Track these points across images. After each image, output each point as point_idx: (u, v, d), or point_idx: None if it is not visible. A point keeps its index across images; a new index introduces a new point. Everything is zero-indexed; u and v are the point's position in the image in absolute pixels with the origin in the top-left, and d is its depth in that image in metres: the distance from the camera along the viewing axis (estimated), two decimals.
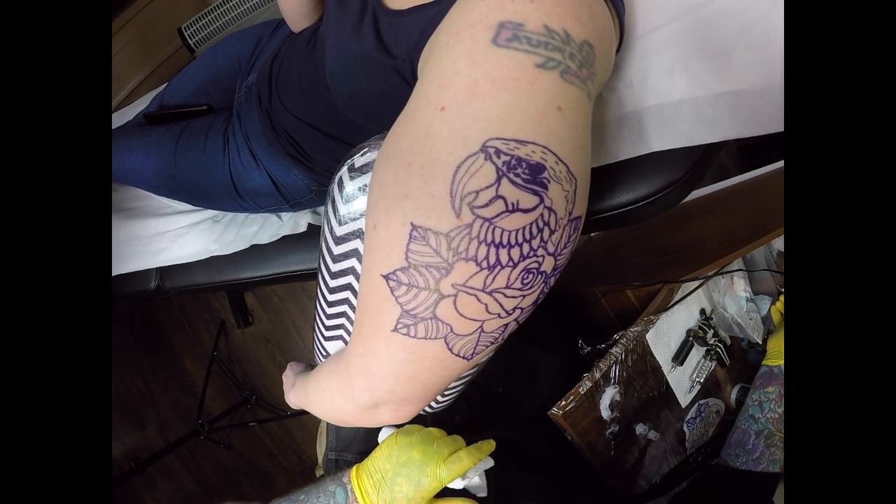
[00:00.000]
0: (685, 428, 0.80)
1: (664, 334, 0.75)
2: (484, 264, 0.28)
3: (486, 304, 0.30)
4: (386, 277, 0.30)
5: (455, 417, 0.74)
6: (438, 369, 0.33)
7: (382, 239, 0.30)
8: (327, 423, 0.78)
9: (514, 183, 0.27)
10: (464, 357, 0.33)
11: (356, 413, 0.38)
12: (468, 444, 0.70)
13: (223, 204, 0.81)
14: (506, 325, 0.32)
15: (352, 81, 0.49)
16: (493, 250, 0.28)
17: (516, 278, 0.29)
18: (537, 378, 0.79)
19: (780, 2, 0.38)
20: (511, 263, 0.29)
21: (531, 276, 0.30)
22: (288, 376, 0.62)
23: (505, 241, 0.28)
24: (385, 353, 0.32)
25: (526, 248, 0.29)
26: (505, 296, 0.30)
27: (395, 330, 0.31)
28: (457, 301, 0.29)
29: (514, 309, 0.31)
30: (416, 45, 0.39)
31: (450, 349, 0.31)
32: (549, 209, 0.29)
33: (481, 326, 0.31)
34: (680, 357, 0.76)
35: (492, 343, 0.33)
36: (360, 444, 0.74)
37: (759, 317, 0.81)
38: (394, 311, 0.31)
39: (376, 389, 0.35)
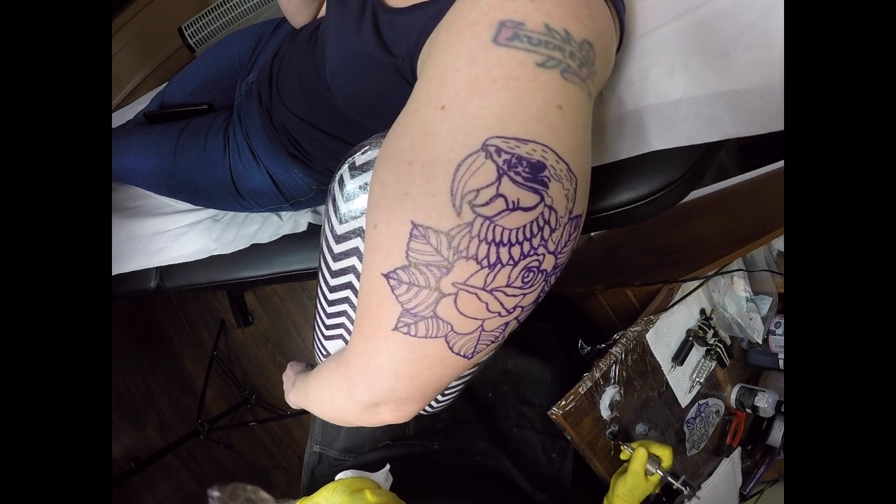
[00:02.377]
0: (685, 428, 0.80)
1: (664, 334, 0.76)
2: (484, 263, 0.28)
3: (486, 303, 0.30)
4: (386, 276, 0.30)
5: (438, 424, 0.74)
6: (439, 368, 0.33)
7: (383, 237, 0.30)
8: (315, 416, 0.78)
9: (514, 181, 0.27)
10: (464, 356, 0.33)
11: (357, 412, 0.38)
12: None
13: (223, 203, 0.81)
14: (506, 324, 0.32)
15: (352, 80, 0.49)
16: (493, 249, 0.28)
17: (517, 277, 0.29)
18: (528, 386, 0.79)
19: (780, 2, 0.38)
20: (511, 262, 0.29)
21: (532, 274, 0.30)
22: (288, 376, 0.62)
23: (505, 240, 0.28)
24: (386, 352, 0.32)
25: (526, 246, 0.29)
26: (505, 294, 0.30)
27: (396, 329, 0.31)
28: (457, 300, 0.29)
29: (514, 307, 0.31)
30: (416, 43, 0.39)
31: (450, 348, 0.31)
32: (550, 207, 0.29)
33: (482, 325, 0.31)
34: (680, 357, 0.76)
35: (492, 342, 0.33)
36: (343, 439, 0.74)
37: (758, 317, 0.81)
38: (394, 310, 0.31)
39: (377, 388, 0.35)
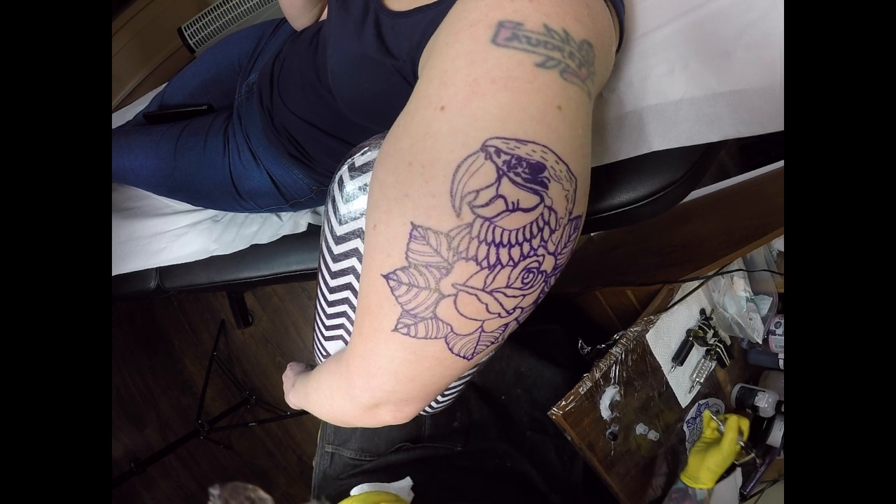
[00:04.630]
0: (685, 428, 0.80)
1: (664, 334, 0.75)
2: (484, 264, 0.28)
3: (486, 304, 0.30)
4: (386, 277, 0.30)
5: (454, 423, 0.74)
6: (439, 369, 0.33)
7: (383, 238, 0.30)
8: None
9: (514, 182, 0.27)
10: (464, 357, 0.33)
11: (356, 413, 0.38)
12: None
13: (223, 204, 0.81)
14: (506, 325, 0.32)
15: (353, 82, 0.49)
16: (493, 250, 0.28)
17: (517, 278, 0.29)
18: (541, 390, 0.79)
19: (780, 2, 0.38)
20: (511, 263, 0.29)
21: (531, 275, 0.30)
22: (288, 377, 0.61)
23: (505, 241, 0.28)
24: (385, 353, 0.32)
25: (526, 247, 0.29)
26: (505, 295, 0.30)
27: (396, 330, 0.31)
28: (457, 301, 0.29)
29: (514, 308, 0.31)
30: (417, 45, 0.39)
31: (450, 349, 0.31)
32: (550, 208, 0.29)
33: (481, 326, 0.31)
34: (680, 357, 0.76)
35: (492, 343, 0.33)
36: (358, 439, 0.73)
37: (758, 317, 0.81)
38: (394, 311, 0.31)
39: (376, 389, 0.34)
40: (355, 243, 0.42)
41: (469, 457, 0.71)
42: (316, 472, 0.76)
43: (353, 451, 0.73)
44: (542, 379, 0.79)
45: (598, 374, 0.69)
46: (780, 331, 0.85)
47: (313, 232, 0.81)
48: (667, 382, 0.77)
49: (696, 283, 0.76)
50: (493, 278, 0.29)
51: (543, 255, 0.30)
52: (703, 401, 0.81)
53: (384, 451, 0.72)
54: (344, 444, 0.74)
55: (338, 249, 0.44)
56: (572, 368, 0.81)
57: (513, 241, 0.28)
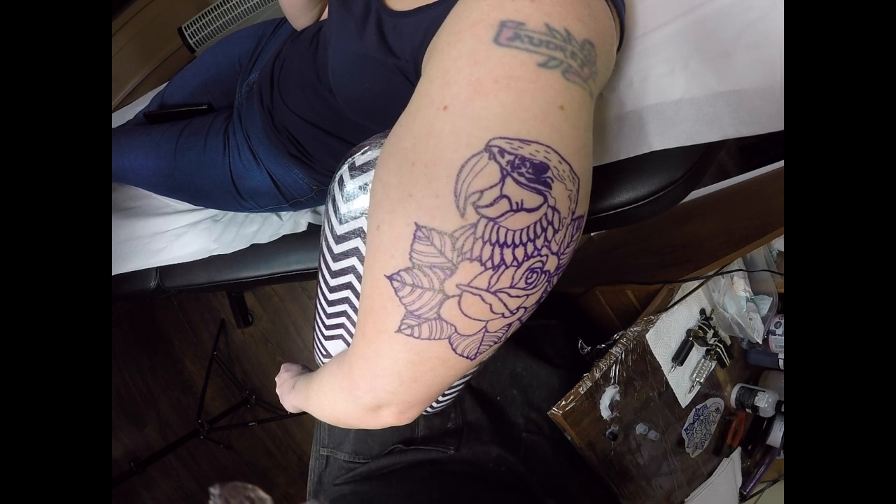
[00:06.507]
0: (684, 435, 0.80)
1: (664, 334, 0.75)
2: (488, 264, 0.28)
3: (490, 304, 0.30)
4: (390, 278, 0.30)
5: (448, 424, 0.73)
6: (442, 370, 0.33)
7: (386, 239, 0.30)
8: (319, 421, 0.77)
9: (518, 182, 0.27)
10: (467, 357, 0.33)
11: (359, 414, 0.38)
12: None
13: (223, 203, 0.81)
14: (509, 325, 0.32)
15: (354, 81, 0.49)
16: (497, 250, 0.28)
17: (520, 278, 0.29)
18: (537, 390, 0.79)
19: (780, 2, 0.38)
20: (515, 263, 0.29)
21: (535, 275, 0.30)
22: (283, 379, 0.61)
23: (509, 241, 0.28)
24: (389, 354, 0.32)
25: (530, 247, 0.29)
26: (509, 295, 0.30)
27: (399, 331, 0.31)
28: (461, 301, 0.29)
29: (517, 308, 0.31)
30: (420, 45, 0.39)
31: (454, 349, 0.31)
32: (553, 208, 0.29)
33: (485, 326, 0.31)
34: (680, 357, 0.76)
35: (495, 343, 0.33)
36: (351, 442, 0.73)
37: (758, 317, 0.81)
38: (398, 312, 0.31)
39: (380, 390, 0.34)
40: (356, 242, 0.42)
41: (463, 461, 0.70)
42: (311, 475, 0.75)
43: (348, 453, 0.73)
44: (538, 380, 0.79)
45: (598, 374, 0.69)
46: (780, 331, 0.85)
47: (313, 231, 0.81)
48: (667, 382, 0.77)
49: (696, 283, 0.76)
50: (498, 279, 0.29)
51: (547, 255, 0.30)
52: (701, 404, 0.82)
53: (378, 454, 0.71)
54: (338, 447, 0.74)
55: (338, 249, 0.44)
56: (569, 368, 0.81)
57: (517, 241, 0.28)
